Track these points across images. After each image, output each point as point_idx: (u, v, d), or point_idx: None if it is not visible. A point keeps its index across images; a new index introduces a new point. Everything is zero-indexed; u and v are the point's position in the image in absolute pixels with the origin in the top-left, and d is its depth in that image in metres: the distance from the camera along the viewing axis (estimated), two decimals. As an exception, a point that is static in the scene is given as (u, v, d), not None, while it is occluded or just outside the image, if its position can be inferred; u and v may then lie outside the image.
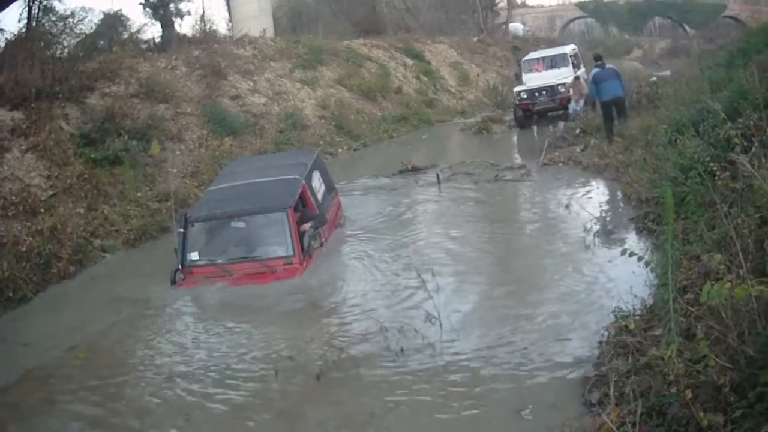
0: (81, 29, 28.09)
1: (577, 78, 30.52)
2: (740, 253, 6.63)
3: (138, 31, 37.04)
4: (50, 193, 18.74)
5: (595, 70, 23.64)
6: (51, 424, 9.84)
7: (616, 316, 9.21)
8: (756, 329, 5.98)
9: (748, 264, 6.60)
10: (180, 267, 14.09)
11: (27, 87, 21.11)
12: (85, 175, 20.04)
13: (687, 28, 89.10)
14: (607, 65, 24.26)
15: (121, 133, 22.13)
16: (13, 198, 17.66)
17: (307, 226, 14.46)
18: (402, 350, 10.05)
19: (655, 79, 29.56)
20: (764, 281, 6.01)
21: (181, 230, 14.35)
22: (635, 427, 6.20)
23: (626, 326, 8.73)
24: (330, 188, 17.50)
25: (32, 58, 22.29)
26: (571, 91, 30.28)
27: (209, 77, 30.59)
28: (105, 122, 22.08)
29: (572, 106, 29.95)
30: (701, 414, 5.75)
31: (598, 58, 24.99)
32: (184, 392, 9.96)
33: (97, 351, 12.16)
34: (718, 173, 10.25)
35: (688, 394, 5.99)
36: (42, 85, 21.51)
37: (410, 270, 12.97)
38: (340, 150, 31.28)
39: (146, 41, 35.16)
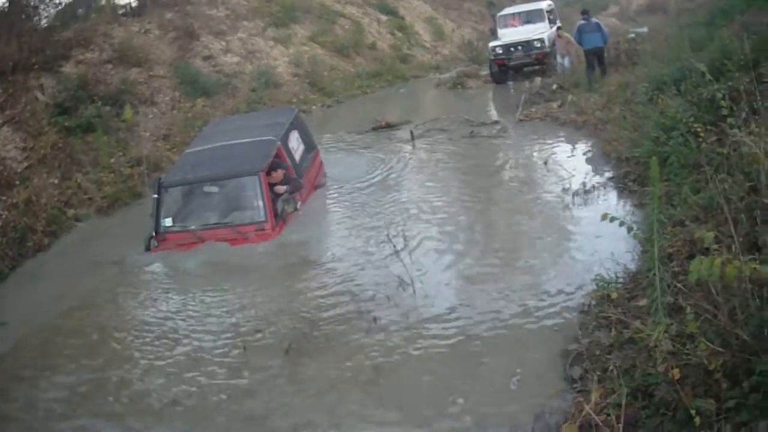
0: (60, -1, 27.90)
1: (560, 32, 30.17)
2: (731, 224, 6.30)
3: (115, -4, 36.70)
4: (25, 164, 18.51)
5: (581, 22, 25.51)
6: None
7: (597, 284, 8.95)
8: (749, 309, 5.65)
9: (740, 238, 6.27)
10: (154, 233, 13.88)
11: (4, 61, 20.90)
12: (59, 145, 19.87)
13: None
14: (592, 19, 25.79)
15: (95, 99, 21.89)
16: (-12, 172, 17.35)
17: (282, 188, 14.19)
18: (375, 320, 9.84)
19: (633, 35, 29.27)
20: (756, 257, 5.71)
21: (155, 196, 14.10)
22: (619, 408, 5.88)
23: (608, 295, 8.47)
24: (310, 147, 17.29)
25: (11, 32, 22.02)
26: (557, 45, 30.03)
27: (182, 39, 30.39)
28: (78, 90, 21.95)
29: (559, 60, 29.84)
30: (691, 399, 5.44)
31: (585, 12, 26.62)
32: (150, 375, 9.57)
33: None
34: (702, 134, 9.94)
35: (676, 373, 5.71)
36: (19, 58, 21.33)
37: (384, 234, 12.76)
38: (313, 107, 31.03)
39: (123, 6, 34.81)
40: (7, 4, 24.37)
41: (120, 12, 32.53)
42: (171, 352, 10.00)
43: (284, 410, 8.18)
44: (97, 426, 8.57)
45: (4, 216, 16.01)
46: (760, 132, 7.65)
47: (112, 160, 20.30)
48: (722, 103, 8.58)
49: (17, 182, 17.39)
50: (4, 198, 16.70)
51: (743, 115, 8.78)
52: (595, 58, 24.90)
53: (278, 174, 14.23)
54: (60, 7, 27.67)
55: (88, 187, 18.79)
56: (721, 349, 5.57)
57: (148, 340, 10.44)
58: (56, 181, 18.40)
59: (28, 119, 19.75)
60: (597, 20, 26.60)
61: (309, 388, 8.54)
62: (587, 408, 5.90)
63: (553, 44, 30.80)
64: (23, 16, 23.62)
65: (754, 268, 5.25)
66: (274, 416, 8.11)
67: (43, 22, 25.30)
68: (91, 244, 16.07)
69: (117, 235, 16.16)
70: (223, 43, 32.35)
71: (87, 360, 10.15)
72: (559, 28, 31.13)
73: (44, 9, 25.99)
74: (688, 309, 6.01)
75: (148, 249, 13.77)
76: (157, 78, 27.03)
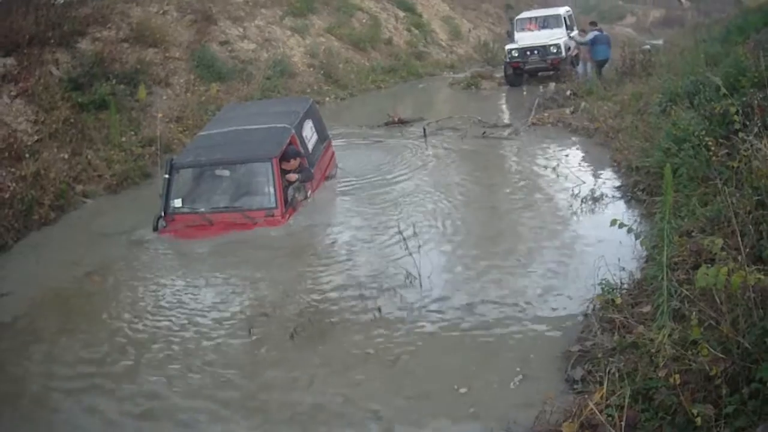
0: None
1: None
2: (738, 236, 6.42)
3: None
4: (36, 138, 18.40)
5: (597, 33, 28.36)
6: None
7: (602, 288, 9.04)
8: (751, 318, 5.78)
9: (747, 249, 6.38)
10: (163, 214, 13.89)
11: (20, 34, 20.82)
12: (71, 120, 19.69)
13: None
14: (603, 32, 29.22)
15: (109, 77, 21.80)
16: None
17: (294, 176, 14.25)
18: (379, 310, 9.95)
19: (648, 46, 29.44)
20: (761, 268, 5.82)
21: (167, 176, 14.09)
22: (621, 410, 6.00)
23: (613, 300, 8.57)
24: (323, 138, 17.28)
25: (28, 5, 21.98)
26: (580, 51, 30.53)
27: (200, 22, 30.21)
28: (94, 67, 21.79)
29: (581, 68, 30.15)
30: (690, 404, 5.56)
31: (594, 23, 30.52)
32: (159, 351, 9.69)
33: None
34: (712, 148, 10.04)
35: (677, 378, 5.82)
36: (35, 32, 21.25)
37: (393, 227, 12.82)
38: (327, 99, 30.90)
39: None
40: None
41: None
42: (173, 332, 10.11)
43: (284, 393, 8.32)
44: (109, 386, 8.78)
45: (11, 188, 15.94)
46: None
47: (124, 139, 20.28)
48: (735, 117, 8.67)
49: (27, 155, 17.34)
50: (12, 170, 16.65)
51: (755, 130, 8.86)
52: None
53: (294, 162, 14.28)
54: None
55: (98, 164, 18.76)
56: (722, 356, 5.69)
57: (145, 326, 10.46)
58: (66, 156, 18.33)
59: (41, 93, 19.68)
60: (607, 34, 29.67)
61: (311, 371, 8.66)
62: (591, 405, 6.01)
63: (576, 50, 31.20)
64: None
65: (759, 278, 5.38)
66: (272, 402, 8.23)
67: (60, -1, 25.19)
68: (98, 220, 16.07)
69: (125, 213, 16.12)
70: (241, 30, 32.21)
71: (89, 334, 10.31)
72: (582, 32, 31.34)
73: (61, -16, 25.86)
74: (693, 315, 6.12)
75: (156, 229, 13.77)
76: (173, 60, 26.98)
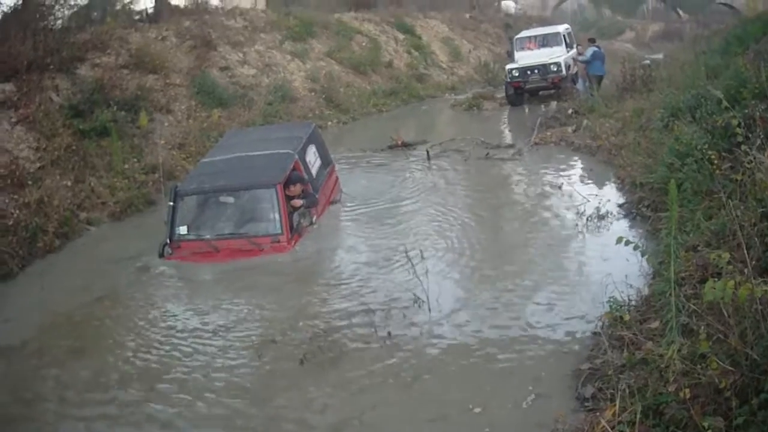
0: (75, 1, 28.05)
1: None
2: (744, 249, 6.44)
3: (131, 2, 36.73)
4: (38, 165, 18.42)
5: (595, 49, 29.42)
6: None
7: (610, 306, 9.05)
8: (759, 330, 5.79)
9: (753, 262, 6.40)
10: (168, 241, 13.91)
11: (19, 59, 20.85)
12: (73, 147, 19.73)
13: (680, 12, 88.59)
14: (600, 48, 30.30)
15: (110, 104, 21.81)
16: (1, 170, 17.35)
17: (299, 202, 14.28)
18: (389, 334, 9.93)
19: (648, 61, 29.54)
20: (768, 281, 5.85)
21: (171, 203, 14.12)
22: (632, 426, 6.02)
23: (621, 317, 8.57)
24: (326, 162, 17.29)
25: (25, 30, 22.01)
26: (579, 69, 31.34)
27: (199, 48, 30.33)
28: (94, 93, 21.77)
29: (581, 85, 30.74)
30: (701, 417, 5.58)
31: (593, 40, 31.06)
32: (168, 373, 9.75)
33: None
34: (716, 162, 10.06)
35: (687, 393, 5.83)
36: (34, 57, 21.28)
37: (400, 251, 12.80)
38: (329, 123, 30.89)
39: (139, 12, 34.87)
40: (20, 2, 24.45)
41: (135, 18, 32.67)
42: (183, 359, 10.13)
43: (297, 418, 8.34)
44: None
45: (15, 215, 15.97)
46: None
47: (126, 166, 20.30)
48: (737, 130, 8.69)
49: (29, 182, 17.36)
50: (15, 197, 16.67)
51: (758, 142, 8.89)
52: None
53: (296, 188, 14.32)
54: (74, 9, 27.73)
55: (101, 191, 18.78)
56: (731, 369, 5.71)
57: (154, 353, 10.48)
58: (69, 183, 18.33)
59: (42, 119, 19.71)
60: (602, 50, 30.61)
61: (322, 398, 8.68)
62: (603, 422, 6.02)
63: (575, 68, 31.73)
64: (36, 15, 23.58)
65: (766, 290, 5.40)
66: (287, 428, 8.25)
67: (58, 24, 25.21)
68: (104, 247, 16.09)
69: (130, 240, 16.11)
70: (240, 55, 32.31)
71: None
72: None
73: (59, 10, 25.93)
74: (702, 329, 6.14)
75: (161, 256, 13.82)
76: (174, 86, 27.04)
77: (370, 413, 8.24)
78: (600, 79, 28.76)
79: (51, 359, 10.59)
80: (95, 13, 33.11)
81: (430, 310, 10.48)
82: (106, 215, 18.19)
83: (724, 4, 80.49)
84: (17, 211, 16.17)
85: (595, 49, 29.42)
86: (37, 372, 10.22)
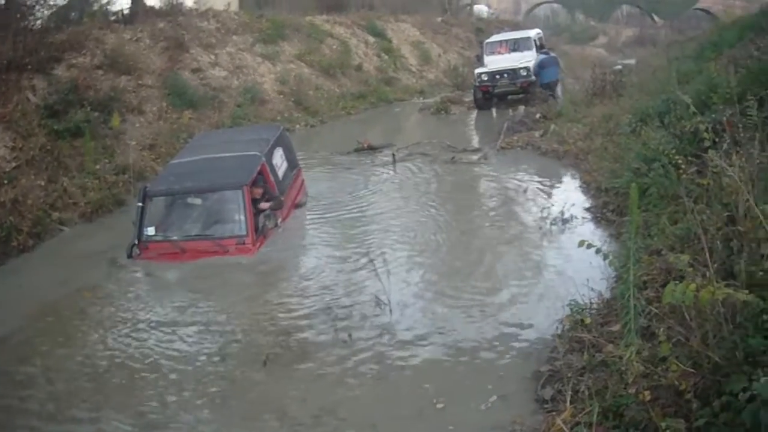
0: (55, 1, 28.05)
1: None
2: (707, 252, 6.38)
3: (108, 3, 36.57)
4: (14, 164, 18.41)
5: (541, 56, 30.36)
6: None
7: (571, 309, 9.03)
8: (721, 332, 5.73)
9: (716, 265, 6.34)
10: (137, 242, 13.89)
11: (-1, 59, 20.81)
12: (48, 147, 19.78)
13: (655, 17, 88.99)
14: (550, 53, 31.61)
15: (84, 104, 21.75)
16: (-23, 171, 17.30)
17: (266, 204, 14.30)
18: (350, 336, 9.90)
19: (620, 66, 29.64)
20: (731, 284, 5.78)
21: (140, 204, 14.14)
22: (590, 428, 5.96)
23: (582, 320, 8.55)
24: (293, 165, 17.31)
25: (6, 30, 21.96)
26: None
27: (172, 50, 30.29)
28: (69, 93, 21.75)
29: (560, 92, 30.80)
30: (661, 419, 5.52)
31: (542, 47, 32.55)
32: (129, 377, 9.64)
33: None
34: (683, 166, 10.02)
35: (647, 395, 5.80)
36: (13, 57, 21.29)
37: (363, 253, 12.93)
38: (297, 126, 30.88)
39: (115, 12, 34.69)
40: (3, 2, 24.35)
41: (111, 18, 32.49)
42: (145, 360, 10.03)
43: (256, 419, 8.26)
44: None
45: (-10, 214, 15.92)
46: (740, 163, 7.72)
47: (98, 167, 20.22)
48: (705, 134, 8.65)
49: (5, 181, 17.35)
50: (-9, 196, 16.62)
51: (725, 146, 8.85)
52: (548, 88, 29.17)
53: (258, 190, 14.30)
54: (54, 9, 27.66)
55: (74, 191, 18.71)
56: (692, 371, 5.66)
57: (118, 352, 10.40)
58: (43, 183, 18.34)
59: (19, 119, 19.71)
60: (555, 55, 31.91)
61: (284, 398, 8.62)
62: (559, 422, 5.96)
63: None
64: (18, 15, 23.48)
65: (728, 293, 5.34)
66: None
67: (38, 24, 25.19)
68: (77, 245, 16.08)
69: (101, 240, 16.08)
70: (212, 57, 32.28)
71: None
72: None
73: (39, 10, 25.85)
74: (661, 331, 6.09)
75: (130, 256, 13.80)
76: (146, 87, 26.96)
77: (326, 417, 8.17)
78: (548, 86, 29.52)
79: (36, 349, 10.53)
80: (73, 14, 32.92)
81: (391, 311, 10.45)
82: (78, 216, 18.16)
83: (702, 10, 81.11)
84: (-8, 210, 16.11)
85: (543, 56, 30.46)
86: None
